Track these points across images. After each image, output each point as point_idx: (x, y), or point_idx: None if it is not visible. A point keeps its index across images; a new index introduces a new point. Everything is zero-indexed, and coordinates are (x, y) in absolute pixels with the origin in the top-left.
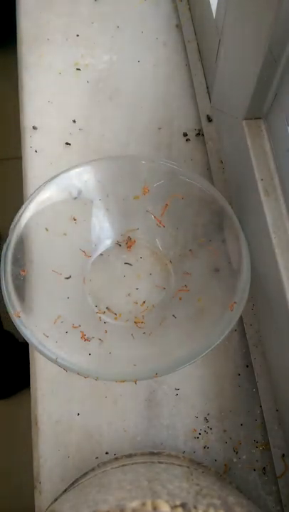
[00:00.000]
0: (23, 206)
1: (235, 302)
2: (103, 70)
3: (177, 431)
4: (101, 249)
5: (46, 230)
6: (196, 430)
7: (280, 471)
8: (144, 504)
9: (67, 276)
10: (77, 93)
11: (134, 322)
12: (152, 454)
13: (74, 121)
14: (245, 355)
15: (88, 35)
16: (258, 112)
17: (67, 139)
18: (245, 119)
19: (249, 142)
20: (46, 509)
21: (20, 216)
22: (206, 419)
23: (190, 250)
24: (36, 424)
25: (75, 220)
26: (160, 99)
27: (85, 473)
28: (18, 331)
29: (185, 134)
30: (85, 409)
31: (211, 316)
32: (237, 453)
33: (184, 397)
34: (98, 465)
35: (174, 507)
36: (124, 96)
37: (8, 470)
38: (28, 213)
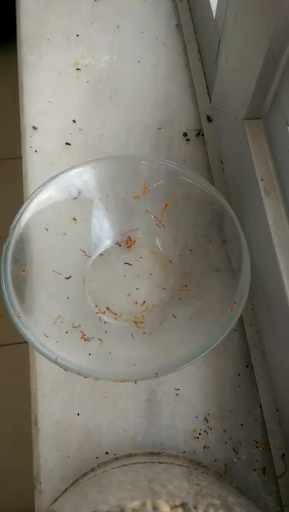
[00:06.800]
0: (23, 206)
1: (235, 302)
2: (103, 70)
3: (177, 431)
4: (101, 249)
5: (46, 230)
6: (196, 430)
7: (280, 471)
8: (144, 504)
9: (67, 276)
10: (77, 93)
11: (134, 322)
12: (152, 454)
13: (74, 121)
14: (245, 355)
15: (88, 35)
16: (258, 112)
17: (67, 139)
18: (245, 119)
19: (249, 142)
20: (46, 509)
21: (20, 216)
22: (206, 419)
23: (190, 250)
24: (36, 424)
25: (75, 220)
26: (160, 99)
27: (85, 473)
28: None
29: (185, 134)
30: (85, 409)
31: (211, 316)
32: (237, 453)
33: (183, 397)
34: (98, 465)
35: (174, 507)
36: (124, 96)
37: (8, 470)
38: (28, 213)
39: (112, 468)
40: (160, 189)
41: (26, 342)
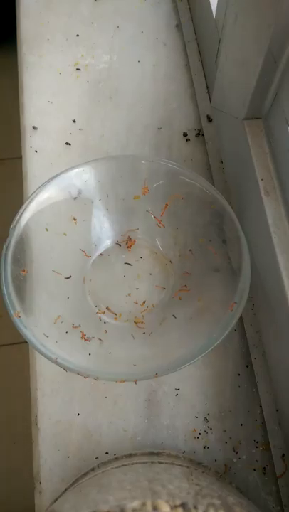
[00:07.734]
0: (23, 206)
1: (235, 302)
2: (103, 70)
3: (177, 431)
4: (101, 249)
5: (46, 230)
6: (196, 430)
7: (280, 471)
8: (144, 504)
9: (67, 276)
10: (77, 93)
11: (134, 322)
12: (152, 454)
13: (74, 121)
14: (245, 355)
15: (88, 35)
16: (258, 112)
17: (67, 139)
18: (245, 119)
19: (249, 142)
20: (46, 509)
21: (20, 216)
22: (206, 419)
23: (190, 250)
24: (36, 424)
25: (75, 220)
26: (160, 99)
27: (85, 473)
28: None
29: (185, 134)
30: (85, 409)
31: (211, 316)
32: (237, 453)
33: (183, 397)
34: (98, 465)
35: (174, 507)
36: (124, 96)
37: (8, 470)
38: (28, 213)
39: (112, 468)
40: (160, 189)
41: (26, 342)
